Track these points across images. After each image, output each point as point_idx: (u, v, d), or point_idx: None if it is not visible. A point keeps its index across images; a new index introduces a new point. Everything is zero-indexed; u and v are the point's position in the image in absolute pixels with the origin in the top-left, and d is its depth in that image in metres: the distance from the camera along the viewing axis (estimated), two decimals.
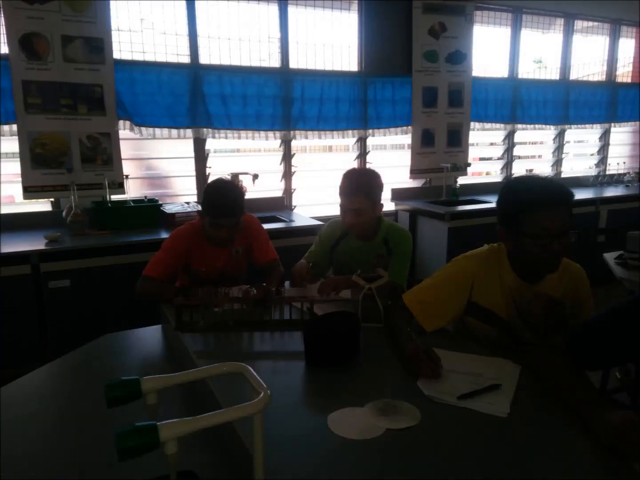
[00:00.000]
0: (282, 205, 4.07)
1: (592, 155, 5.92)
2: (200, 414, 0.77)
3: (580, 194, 4.61)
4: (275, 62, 3.93)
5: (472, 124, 4.75)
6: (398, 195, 4.50)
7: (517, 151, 5.24)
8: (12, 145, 3.15)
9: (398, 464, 1.00)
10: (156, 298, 1.96)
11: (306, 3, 3.95)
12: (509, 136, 5.12)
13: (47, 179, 3.20)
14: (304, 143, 4.34)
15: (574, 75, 5.42)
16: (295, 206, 4.15)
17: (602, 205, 4.70)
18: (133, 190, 3.55)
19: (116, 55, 3.33)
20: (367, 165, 4.30)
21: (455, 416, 1.15)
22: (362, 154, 4.39)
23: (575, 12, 5.14)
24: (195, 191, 3.83)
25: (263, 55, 3.89)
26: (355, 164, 4.38)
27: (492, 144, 5.25)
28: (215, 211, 1.99)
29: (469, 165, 4.75)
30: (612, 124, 5.70)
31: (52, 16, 3.07)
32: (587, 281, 1.60)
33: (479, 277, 1.57)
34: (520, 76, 5.04)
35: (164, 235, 2.99)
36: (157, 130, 3.51)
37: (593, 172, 5.82)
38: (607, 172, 5.79)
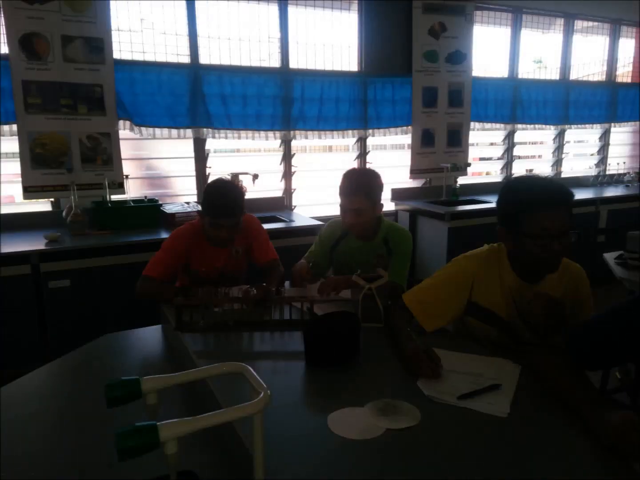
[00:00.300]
0: (282, 205, 4.07)
1: (592, 155, 5.92)
2: (200, 414, 0.77)
3: (580, 194, 4.61)
4: (275, 62, 3.93)
5: (472, 124, 4.75)
6: (398, 195, 4.50)
7: (517, 151, 5.24)
8: (12, 145, 3.14)
9: (398, 464, 1.00)
10: (156, 298, 1.96)
11: (306, 3, 3.95)
12: (509, 136, 5.12)
13: (47, 179, 3.20)
14: (304, 143, 4.34)
15: (574, 75, 5.42)
16: (295, 206, 4.15)
17: (602, 205, 4.70)
18: (133, 190, 3.55)
19: (116, 55, 3.33)
20: (367, 165, 4.30)
21: (455, 416, 1.15)
22: (362, 154, 4.39)
23: (575, 12, 5.14)
24: (195, 191, 3.83)
25: (263, 55, 3.89)
26: (355, 164, 4.38)
27: (492, 144, 5.25)
28: (215, 211, 1.99)
29: (469, 165, 4.75)
30: (612, 124, 5.70)
31: (52, 16, 3.07)
32: (587, 281, 1.60)
33: (479, 277, 1.57)
34: (520, 76, 5.04)
35: (164, 235, 2.99)
36: (157, 130, 3.51)
37: (593, 172, 5.81)
38: (607, 172, 5.79)
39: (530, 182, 1.55)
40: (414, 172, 4.57)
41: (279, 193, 4.12)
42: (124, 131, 3.42)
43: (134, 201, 3.40)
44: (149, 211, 3.31)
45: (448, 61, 4.47)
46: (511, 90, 4.92)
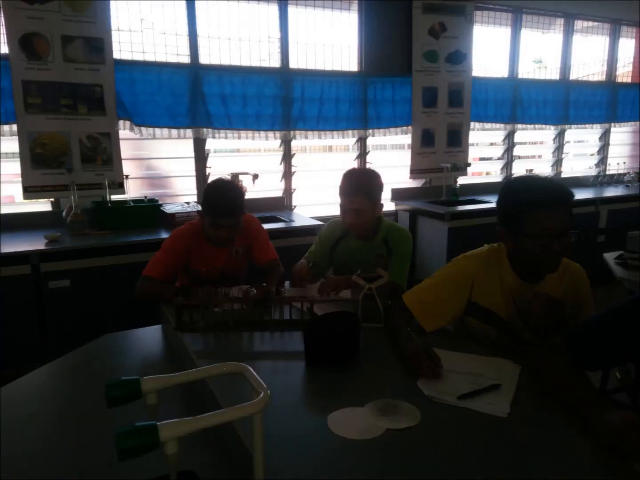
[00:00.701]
0: (282, 205, 4.07)
1: (592, 155, 5.92)
2: (200, 414, 0.77)
3: (580, 194, 4.61)
4: (275, 62, 3.93)
5: (472, 124, 4.75)
6: (398, 195, 4.50)
7: (517, 151, 5.24)
8: (12, 145, 3.14)
9: (398, 464, 1.00)
10: (156, 298, 1.96)
11: (306, 3, 3.95)
12: (509, 136, 5.12)
13: (47, 179, 3.20)
14: (304, 143, 4.34)
15: (574, 75, 5.42)
16: (295, 206, 4.15)
17: (602, 205, 4.70)
18: (133, 190, 3.55)
19: (116, 55, 3.33)
20: (367, 165, 4.30)
21: (455, 416, 1.15)
22: (362, 154, 4.39)
23: (575, 12, 5.14)
24: (195, 191, 3.83)
25: (263, 55, 3.89)
26: (355, 164, 4.38)
27: (492, 144, 5.25)
28: (215, 211, 1.99)
29: (469, 165, 4.75)
30: (612, 124, 5.70)
31: (52, 16, 3.07)
32: (587, 281, 1.60)
33: (479, 277, 1.57)
34: (520, 76, 5.05)
35: (164, 235, 2.99)
36: (157, 130, 3.51)
37: (593, 172, 5.82)
38: (607, 172, 5.79)
39: (530, 182, 1.55)
40: (414, 172, 4.57)
41: (279, 193, 4.12)
42: (124, 131, 3.42)
43: (134, 201, 3.40)
44: (149, 211, 3.31)
45: (448, 61, 4.47)
46: (511, 90, 4.92)
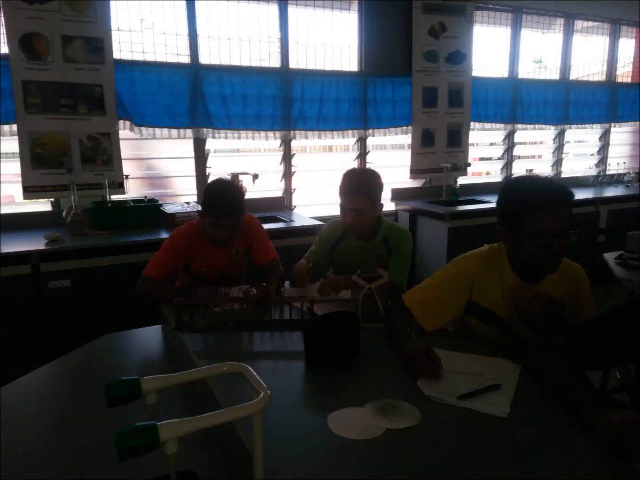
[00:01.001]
0: (282, 205, 4.07)
1: (592, 155, 5.92)
2: (200, 414, 0.77)
3: (580, 194, 4.61)
4: (275, 62, 3.94)
5: (472, 124, 4.75)
6: (398, 195, 4.50)
7: (517, 151, 5.24)
8: (12, 145, 3.14)
9: (398, 464, 0.99)
10: (156, 298, 1.96)
11: (306, 3, 3.95)
12: (509, 136, 5.12)
13: (47, 179, 3.20)
14: (304, 143, 4.34)
15: (574, 75, 5.42)
16: (295, 206, 4.15)
17: (602, 205, 4.70)
18: (133, 190, 3.55)
19: (116, 55, 3.33)
20: (367, 165, 4.30)
21: (455, 416, 1.15)
22: (362, 154, 4.39)
23: (575, 12, 5.14)
24: (195, 191, 3.83)
25: (263, 55, 3.89)
26: (355, 164, 4.38)
27: (492, 144, 5.25)
28: (215, 211, 1.99)
29: (469, 165, 4.75)
30: (612, 124, 5.70)
31: (52, 16, 3.07)
32: (587, 281, 1.60)
33: (479, 277, 1.57)
34: (520, 76, 5.05)
35: (164, 235, 2.99)
36: (157, 130, 3.51)
37: (593, 172, 5.82)
38: (607, 172, 5.79)
39: (530, 182, 1.55)
40: (414, 172, 4.57)
41: (279, 193, 4.12)
42: (124, 131, 3.42)
43: (134, 201, 3.40)
44: (149, 211, 3.31)
45: (448, 61, 4.47)
46: (511, 90, 4.92)
